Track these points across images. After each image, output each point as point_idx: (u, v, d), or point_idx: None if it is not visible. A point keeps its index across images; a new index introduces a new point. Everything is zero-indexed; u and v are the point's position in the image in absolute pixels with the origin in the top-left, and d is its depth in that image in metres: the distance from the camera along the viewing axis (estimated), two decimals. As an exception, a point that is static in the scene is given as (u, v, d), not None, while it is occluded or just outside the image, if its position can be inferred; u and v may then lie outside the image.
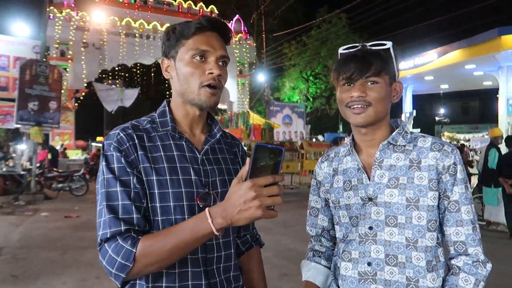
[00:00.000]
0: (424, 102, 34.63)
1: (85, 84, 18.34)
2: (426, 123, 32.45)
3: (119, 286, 1.01)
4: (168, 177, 1.04)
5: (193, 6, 22.04)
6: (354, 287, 1.17)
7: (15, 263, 5.04)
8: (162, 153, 1.07)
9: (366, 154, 1.23)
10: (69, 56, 17.88)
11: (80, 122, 19.66)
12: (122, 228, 0.96)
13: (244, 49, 22.07)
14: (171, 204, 1.03)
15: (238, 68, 22.24)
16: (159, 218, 1.03)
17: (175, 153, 1.09)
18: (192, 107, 1.14)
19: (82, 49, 18.09)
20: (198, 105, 1.11)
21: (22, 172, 11.09)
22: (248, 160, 0.89)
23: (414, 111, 17.54)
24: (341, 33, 24.29)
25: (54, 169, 12.09)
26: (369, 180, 1.18)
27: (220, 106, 24.33)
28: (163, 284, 1.02)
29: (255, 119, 17.31)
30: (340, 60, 1.20)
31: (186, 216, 1.03)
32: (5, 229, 6.95)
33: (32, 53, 14.40)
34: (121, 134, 1.06)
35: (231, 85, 21.90)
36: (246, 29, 23.18)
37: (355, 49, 1.20)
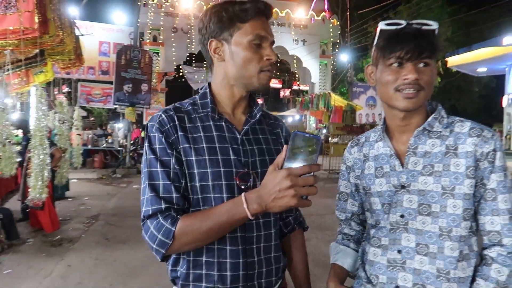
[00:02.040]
0: (534, 82, 30.49)
1: (175, 67, 19.46)
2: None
3: (160, 260, 1.05)
4: (207, 157, 1.07)
5: (276, -13, 21.89)
6: (381, 273, 1.15)
7: (108, 227, 5.71)
8: (202, 134, 1.10)
9: (399, 140, 1.18)
10: (160, 41, 19.07)
11: (170, 102, 21.00)
12: (163, 206, 1.02)
13: (327, 28, 21.41)
14: (210, 183, 1.06)
15: (321, 49, 21.70)
16: (199, 197, 1.06)
17: (214, 133, 1.11)
18: (240, 90, 1.16)
19: (171, 34, 19.14)
20: (256, 88, 1.13)
21: (119, 148, 12.31)
22: (285, 147, 0.90)
23: (520, 92, 15.56)
24: (435, 7, 22.24)
25: (146, 146, 13.19)
26: (402, 167, 1.14)
27: (301, 87, 24.12)
28: (203, 259, 1.07)
29: (337, 100, 16.84)
30: (388, 37, 1.10)
31: (224, 195, 1.06)
32: (103, 198, 7.85)
33: (129, 39, 15.62)
34: (163, 116, 1.09)
35: (313, 66, 21.50)
36: (329, 7, 22.41)
37: (402, 26, 1.10)
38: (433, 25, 1.10)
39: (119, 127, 13.96)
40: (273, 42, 1.14)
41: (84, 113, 17.72)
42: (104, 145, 12.51)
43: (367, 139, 1.28)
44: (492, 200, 1.06)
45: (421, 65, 1.07)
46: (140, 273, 4.06)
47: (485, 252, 1.09)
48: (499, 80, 19.28)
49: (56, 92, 16.64)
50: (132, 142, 12.90)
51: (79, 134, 9.65)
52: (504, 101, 15.56)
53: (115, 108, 12.21)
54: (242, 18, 1.09)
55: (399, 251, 1.13)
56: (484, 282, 1.05)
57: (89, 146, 12.38)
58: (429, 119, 1.13)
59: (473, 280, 1.08)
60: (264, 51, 1.11)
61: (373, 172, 1.21)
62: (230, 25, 1.10)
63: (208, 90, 1.18)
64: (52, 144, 5.48)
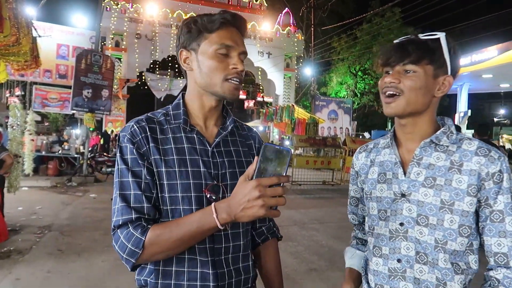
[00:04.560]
0: (482, 102, 32.59)
1: (137, 74, 19.08)
2: (483, 123, 30.53)
3: (130, 269, 1.05)
4: (177, 169, 1.07)
5: (243, -1, 22.17)
6: (385, 283, 1.16)
7: (61, 238, 5.41)
8: (173, 145, 1.10)
9: (405, 149, 1.19)
10: (123, 47, 18.67)
11: (131, 109, 20.54)
12: (133, 216, 1.01)
13: (292, 43, 21.88)
14: (179, 195, 1.07)
15: (285, 62, 22.11)
16: (168, 208, 1.07)
17: (185, 145, 1.12)
18: (210, 99, 1.16)
19: (135, 40, 18.81)
20: (222, 97, 1.14)
21: (75, 155, 11.80)
22: (256, 158, 0.92)
23: (469, 111, 16.55)
24: (394, 27, 23.35)
25: (105, 153, 12.74)
26: (405, 176, 1.15)
27: (266, 99, 24.38)
28: (173, 269, 1.07)
29: (300, 113, 17.18)
30: (385, 47, 1.17)
31: (193, 207, 1.06)
32: (57, 207, 7.45)
33: (90, 43, 15.19)
34: (135, 127, 1.10)
35: (278, 79, 21.83)
36: (294, 22, 22.94)
37: (406, 38, 1.16)
38: (437, 34, 1.12)
39: (77, 133, 13.43)
40: (243, 53, 1.15)
41: (38, 118, 16.92)
42: (60, 151, 11.95)
43: (376, 145, 1.30)
44: (499, 222, 1.06)
45: (406, 71, 1.10)
46: (96, 286, 3.86)
47: (491, 273, 1.09)
48: (451, 99, 20.48)
49: (8, 95, 15.82)
50: (90, 149, 12.44)
51: (32, 140, 9.16)
52: (456, 119, 16.51)
53: (73, 114, 11.72)
54: (209, 29, 1.11)
55: (398, 260, 1.13)
56: None
57: (43, 152, 11.78)
58: (438, 132, 1.14)
59: None
60: (231, 60, 1.12)
61: (376, 177, 1.22)
62: (198, 35, 1.12)
63: (181, 100, 1.19)
64: (3, 149, 5.15)
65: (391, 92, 1.11)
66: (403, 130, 1.18)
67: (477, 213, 1.09)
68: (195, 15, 1.18)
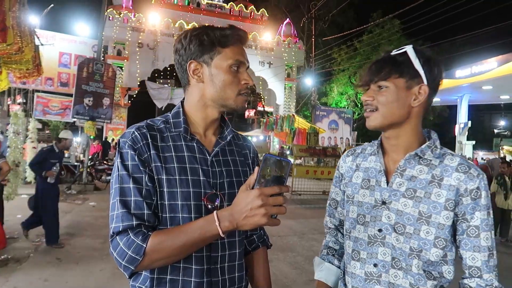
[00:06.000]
0: (482, 113, 32.64)
1: (138, 83, 19.15)
2: (484, 135, 30.55)
3: (128, 276, 1.06)
4: (177, 177, 1.08)
5: (244, 9, 22.36)
6: (361, 286, 1.19)
7: (60, 247, 5.37)
8: (173, 153, 1.11)
9: (390, 158, 1.24)
10: (125, 56, 18.78)
11: (132, 118, 20.58)
12: (134, 222, 1.01)
13: (293, 53, 22.02)
14: (179, 202, 1.07)
15: (286, 72, 22.21)
16: (167, 215, 1.07)
17: (185, 153, 1.13)
18: (214, 111, 1.19)
19: (137, 49, 18.93)
20: (233, 109, 1.18)
21: (75, 163, 11.80)
22: (256, 169, 0.95)
23: (469, 122, 16.57)
24: (394, 38, 23.50)
25: (104, 162, 12.73)
26: (387, 185, 1.19)
27: (266, 108, 24.43)
28: (168, 277, 1.07)
29: (301, 123, 17.21)
30: (362, 70, 1.28)
31: (192, 215, 1.07)
32: (56, 215, 7.42)
33: (92, 52, 15.29)
34: (136, 133, 1.10)
35: (278, 88, 21.92)
36: (295, 32, 23.11)
37: (378, 58, 1.23)
38: (404, 48, 1.17)
39: (77, 141, 13.44)
40: (248, 67, 1.20)
41: (40, 126, 16.95)
42: (60, 159, 11.93)
43: (363, 150, 1.34)
44: (475, 237, 1.11)
45: (378, 88, 1.17)
46: (93, 295, 3.83)
47: (465, 281, 1.13)
48: (452, 110, 20.54)
49: (9, 102, 15.87)
50: (90, 157, 12.44)
51: (34, 147, 9.16)
52: (456, 130, 16.52)
53: (74, 122, 11.75)
54: (223, 43, 1.14)
55: (375, 265, 1.17)
56: None
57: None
58: (423, 146, 1.18)
59: None
60: (242, 76, 1.16)
61: (360, 182, 1.26)
62: (211, 49, 1.14)
63: (181, 109, 1.20)
64: (0, 156, 5.14)
65: (369, 109, 1.19)
66: (388, 142, 1.24)
67: (454, 226, 1.13)
68: (200, 26, 1.20)
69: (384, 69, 1.16)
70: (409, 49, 1.16)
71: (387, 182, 1.19)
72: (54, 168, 5.39)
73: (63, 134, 5.80)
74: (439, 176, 1.13)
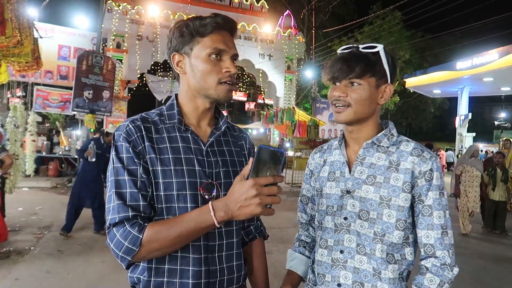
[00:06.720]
0: (483, 105, 32.58)
1: (138, 75, 19.09)
2: (484, 127, 30.53)
3: (125, 267, 1.07)
4: (172, 168, 1.09)
5: (244, 1, 22.21)
6: (327, 272, 1.25)
7: (61, 239, 5.42)
8: (168, 145, 1.13)
9: (352, 150, 1.31)
10: (124, 48, 18.69)
11: (132, 111, 20.57)
12: (130, 214, 1.02)
13: (293, 45, 21.88)
14: (175, 193, 1.08)
15: (286, 64, 22.09)
16: (163, 206, 1.08)
17: (180, 144, 1.14)
18: (203, 101, 1.19)
19: (136, 41, 18.82)
20: (215, 99, 1.17)
21: (76, 156, 11.81)
22: (251, 159, 0.95)
23: (470, 114, 16.54)
24: (394, 30, 23.36)
25: (107, 154, 12.73)
26: (350, 174, 1.25)
27: (266, 101, 24.37)
28: (166, 266, 1.08)
29: (301, 115, 17.18)
30: (331, 60, 1.27)
31: (188, 205, 1.08)
32: (57, 208, 7.48)
33: (91, 45, 15.21)
34: (130, 126, 1.11)
35: (278, 81, 21.84)
36: (295, 24, 22.96)
37: (348, 50, 1.25)
38: (377, 47, 1.21)
39: (78, 134, 13.43)
40: (235, 55, 1.18)
41: (39, 119, 16.94)
42: (60, 153, 11.96)
43: (330, 147, 1.41)
44: (428, 216, 1.17)
45: (352, 84, 1.20)
46: (95, 286, 3.87)
47: (422, 262, 1.19)
48: (452, 102, 20.48)
49: (9, 95, 15.83)
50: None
51: (34, 140, 9.18)
52: (457, 122, 16.50)
53: (74, 115, 11.74)
54: (201, 33, 1.13)
55: (341, 251, 1.23)
56: None
57: (44, 153, 11.79)
58: (379, 134, 1.25)
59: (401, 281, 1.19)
60: (223, 64, 1.14)
61: (326, 176, 1.32)
62: (190, 39, 1.14)
63: (175, 101, 1.21)
64: (2, 149, 5.15)
65: (340, 105, 1.22)
66: (350, 135, 1.30)
67: (413, 208, 1.19)
68: (186, 19, 1.20)
69: (359, 66, 1.18)
70: (381, 49, 1.21)
71: (350, 172, 1.25)
72: (90, 145, 5.98)
73: (111, 129, 6.21)
74: (396, 161, 1.20)
